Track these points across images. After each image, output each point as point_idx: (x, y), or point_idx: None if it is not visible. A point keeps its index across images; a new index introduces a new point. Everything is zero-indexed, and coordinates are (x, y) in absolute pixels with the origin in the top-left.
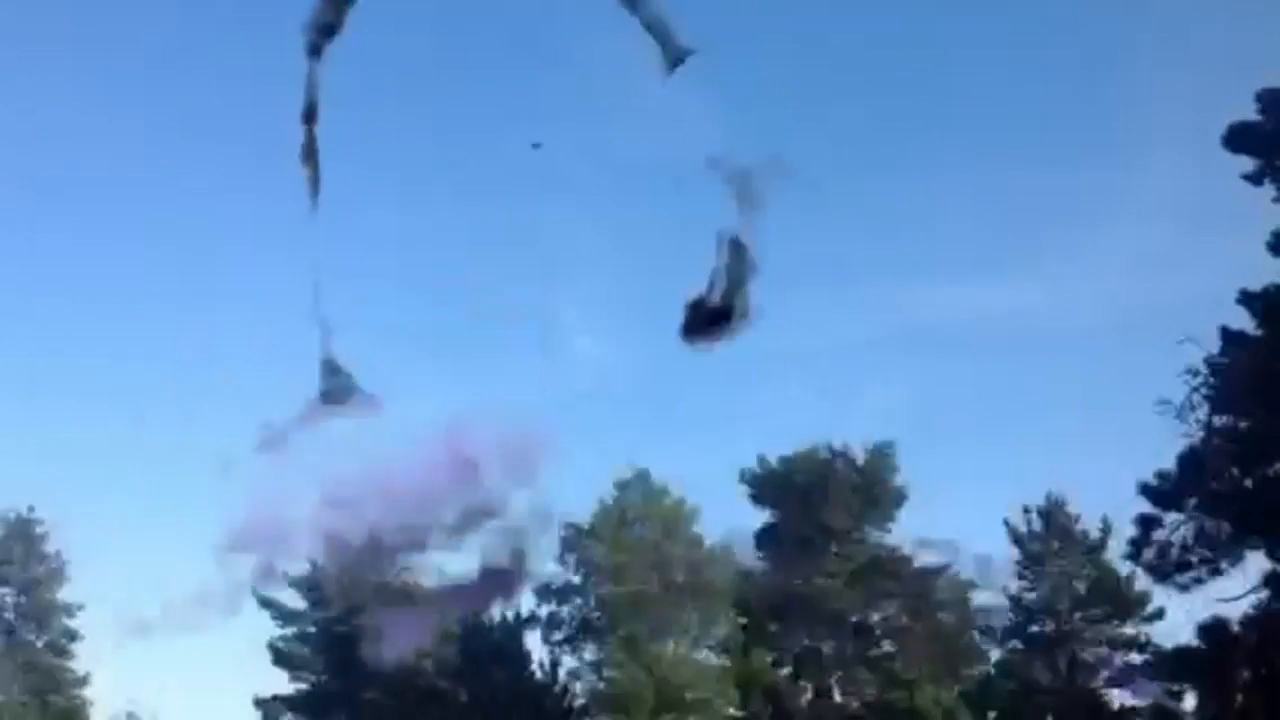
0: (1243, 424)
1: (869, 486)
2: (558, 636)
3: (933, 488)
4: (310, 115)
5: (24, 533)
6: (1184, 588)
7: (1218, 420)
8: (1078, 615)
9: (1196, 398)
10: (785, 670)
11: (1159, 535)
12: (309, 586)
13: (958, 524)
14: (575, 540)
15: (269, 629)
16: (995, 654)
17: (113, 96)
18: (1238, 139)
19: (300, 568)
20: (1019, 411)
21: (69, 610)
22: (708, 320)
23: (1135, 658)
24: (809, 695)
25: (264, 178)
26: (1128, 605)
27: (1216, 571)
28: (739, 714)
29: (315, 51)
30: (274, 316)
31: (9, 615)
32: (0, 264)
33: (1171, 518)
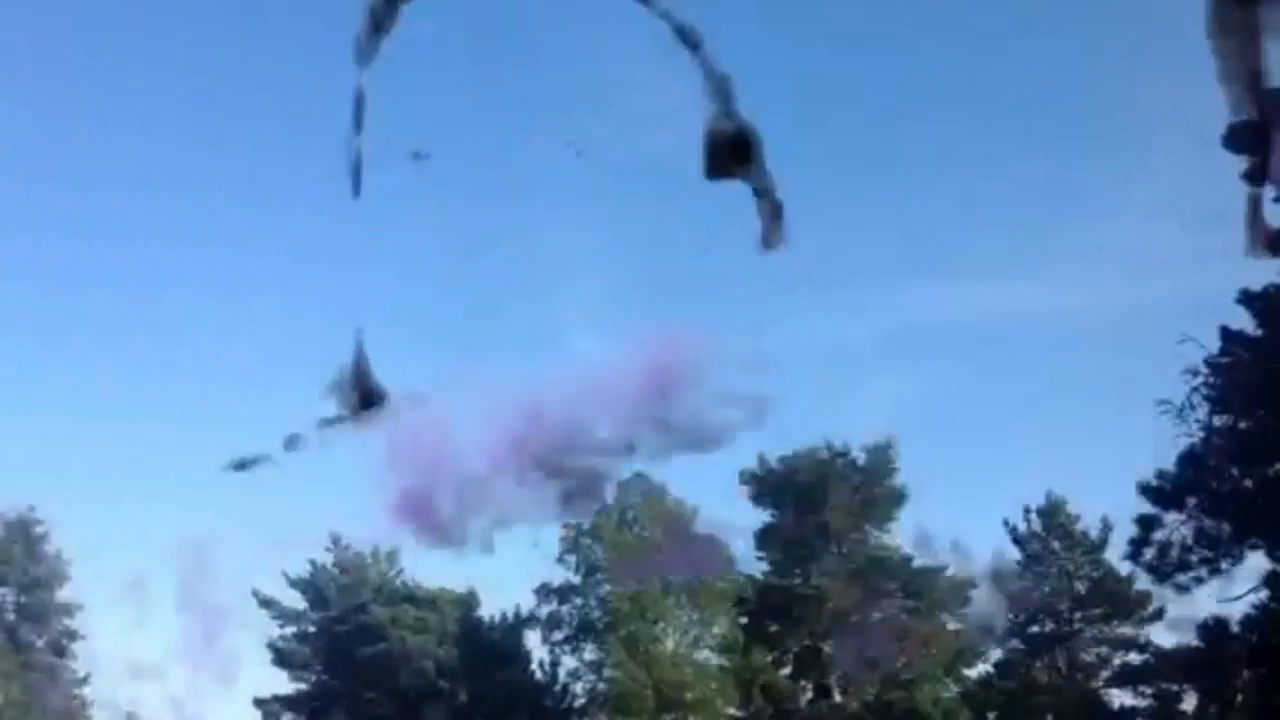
0: (1243, 424)
1: (869, 486)
2: (558, 636)
3: (933, 488)
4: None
5: (24, 533)
6: (1184, 588)
7: (1218, 420)
8: (1078, 615)
9: (1196, 398)
10: (785, 670)
11: (1159, 535)
12: (309, 586)
13: (958, 524)
14: (575, 540)
15: (269, 629)
16: (995, 654)
17: (117, 90)
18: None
19: (300, 568)
20: (1019, 411)
21: (69, 610)
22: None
23: (1135, 658)
24: (809, 695)
25: (266, 176)
26: (1128, 605)
27: (1216, 571)
28: (739, 714)
29: (363, 55)
30: (276, 315)
31: (9, 615)
32: (1, 262)
33: (1171, 518)
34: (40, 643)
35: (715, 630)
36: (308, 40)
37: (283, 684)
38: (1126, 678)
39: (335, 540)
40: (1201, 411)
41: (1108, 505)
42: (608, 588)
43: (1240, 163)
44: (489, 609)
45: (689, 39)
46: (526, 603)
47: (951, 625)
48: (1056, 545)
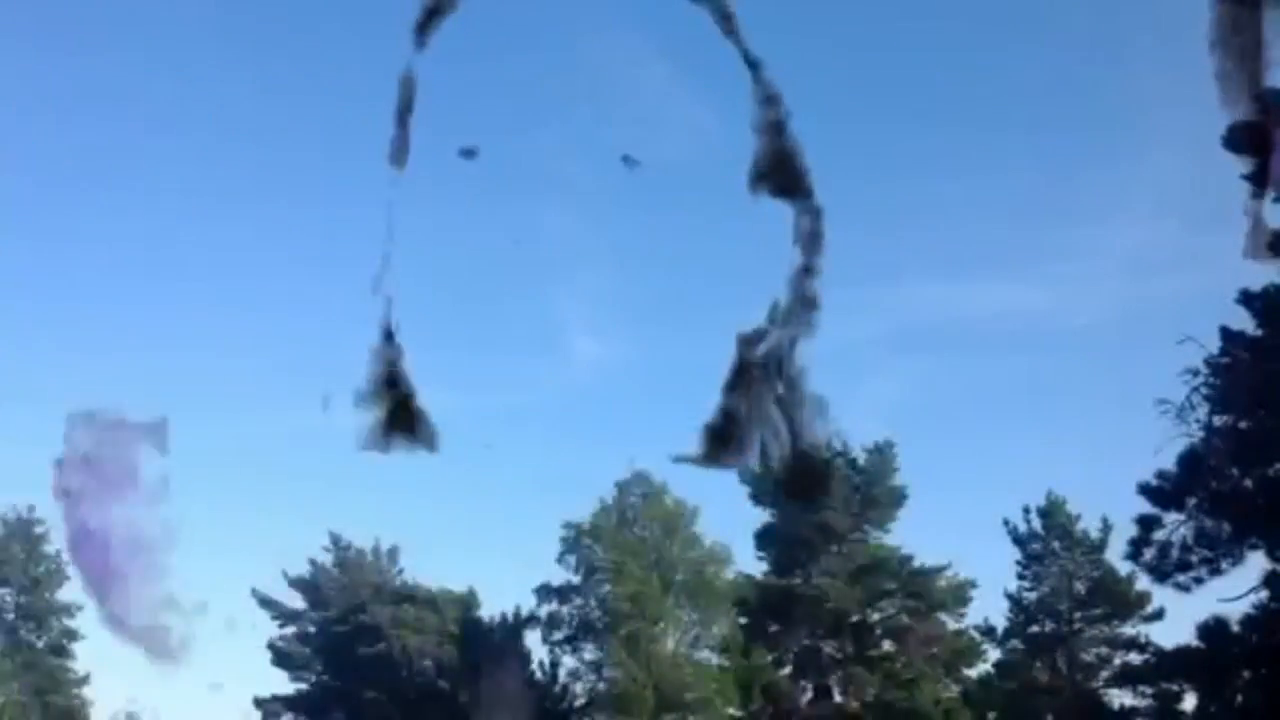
0: (1243, 424)
1: (869, 486)
2: (558, 636)
3: (933, 487)
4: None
5: (24, 533)
6: (1184, 588)
7: (1218, 420)
8: (1078, 615)
9: (1196, 398)
10: (785, 670)
11: (1159, 535)
12: (309, 587)
13: (958, 524)
14: (575, 540)
15: (269, 629)
16: (995, 654)
17: (113, 89)
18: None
19: (300, 568)
20: (1019, 411)
21: (69, 610)
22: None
23: (1135, 658)
24: (809, 695)
25: (266, 174)
26: (1128, 605)
27: (1216, 571)
28: (739, 714)
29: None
30: (275, 313)
31: (9, 615)
32: (1, 260)
33: (1171, 518)
34: (40, 643)
35: (715, 630)
36: (314, 33)
37: (283, 684)
38: (1126, 678)
39: (335, 540)
40: (1201, 411)
41: (1108, 505)
42: (608, 588)
43: (1241, 163)
44: (489, 609)
45: (751, 62)
46: (526, 603)
47: (951, 625)
48: (1056, 545)
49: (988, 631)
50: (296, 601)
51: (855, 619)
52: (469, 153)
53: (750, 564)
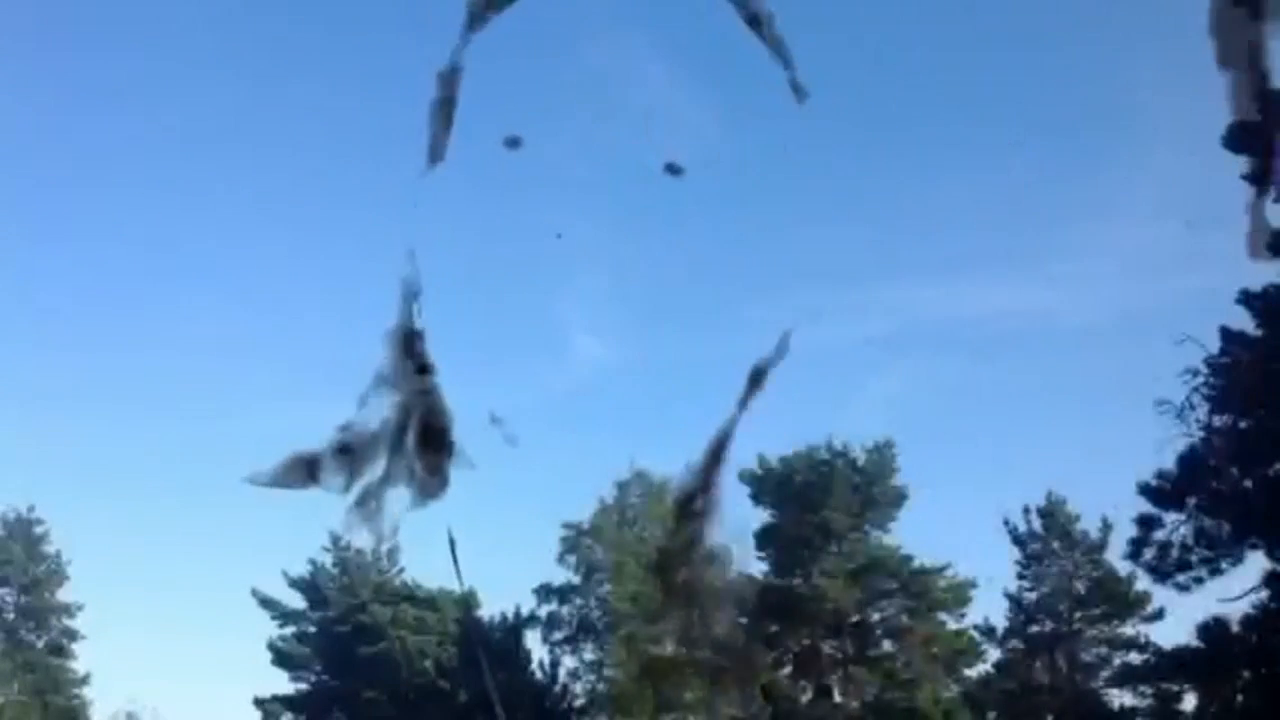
0: (1243, 424)
1: (869, 486)
2: (558, 636)
3: (933, 487)
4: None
5: (24, 533)
6: (1184, 588)
7: (1218, 420)
8: (1078, 615)
9: (1196, 398)
10: (785, 670)
11: (1159, 535)
12: (309, 586)
13: (958, 524)
14: (575, 540)
15: (269, 629)
16: (995, 654)
17: (119, 91)
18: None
19: (300, 568)
20: (1019, 411)
21: (69, 610)
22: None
23: (1135, 658)
24: (809, 695)
25: (260, 173)
26: (1128, 605)
27: (1216, 571)
28: (739, 714)
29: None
30: (276, 314)
31: (9, 615)
32: (0, 261)
33: (1171, 518)
34: (40, 643)
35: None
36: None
37: (283, 684)
38: (1126, 678)
39: (335, 540)
40: (1201, 411)
41: (1108, 505)
42: (608, 588)
43: (1241, 163)
44: (489, 609)
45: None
46: (526, 603)
47: (951, 625)
48: (1056, 545)
49: (988, 631)
50: (296, 601)
51: (855, 619)
52: (513, 142)
53: (750, 564)
